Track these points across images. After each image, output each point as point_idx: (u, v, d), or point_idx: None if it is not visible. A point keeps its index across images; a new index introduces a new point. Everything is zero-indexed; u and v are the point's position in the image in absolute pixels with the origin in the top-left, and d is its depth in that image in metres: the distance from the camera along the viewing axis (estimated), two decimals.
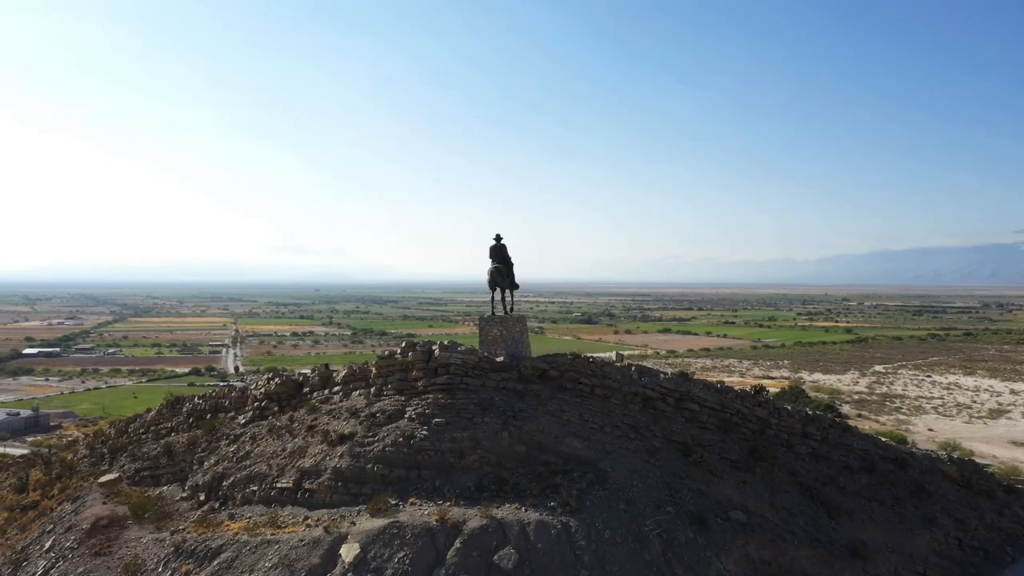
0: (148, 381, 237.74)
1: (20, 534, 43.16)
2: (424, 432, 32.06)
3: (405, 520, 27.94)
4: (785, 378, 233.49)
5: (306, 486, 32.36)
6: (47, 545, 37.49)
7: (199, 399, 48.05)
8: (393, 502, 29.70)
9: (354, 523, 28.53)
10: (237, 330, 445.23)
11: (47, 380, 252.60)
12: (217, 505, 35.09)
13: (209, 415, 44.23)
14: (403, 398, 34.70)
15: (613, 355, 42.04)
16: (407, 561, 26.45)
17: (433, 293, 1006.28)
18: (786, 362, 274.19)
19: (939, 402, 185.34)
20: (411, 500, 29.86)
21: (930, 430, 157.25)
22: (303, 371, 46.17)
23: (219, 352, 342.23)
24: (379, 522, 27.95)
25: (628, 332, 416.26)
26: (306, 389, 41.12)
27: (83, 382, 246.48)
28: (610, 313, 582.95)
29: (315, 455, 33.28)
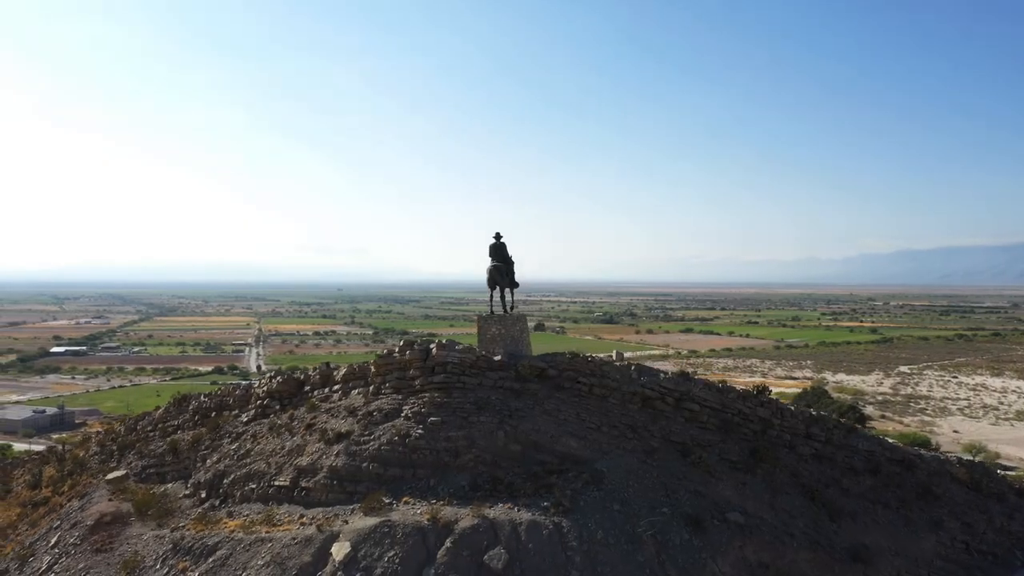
0: (172, 379, 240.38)
1: (30, 530, 43.77)
2: (419, 431, 31.98)
3: (397, 519, 27.86)
4: (808, 378, 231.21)
5: (303, 484, 32.43)
6: (52, 541, 37.93)
7: (205, 397, 48.46)
8: (387, 501, 29.64)
9: (347, 522, 28.50)
10: (260, 329, 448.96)
11: (73, 378, 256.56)
12: (217, 503, 35.31)
13: (214, 413, 44.54)
14: (400, 397, 34.63)
15: (613, 354, 41.67)
16: (397, 560, 26.37)
17: (455, 293, 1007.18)
18: (809, 362, 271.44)
19: (965, 403, 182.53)
20: (405, 499, 29.79)
21: (955, 432, 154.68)
22: (305, 369, 46.33)
23: (242, 351, 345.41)
24: (371, 521, 27.91)
25: (650, 332, 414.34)
26: (307, 388, 41.26)
27: (108, 380, 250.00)
28: (632, 313, 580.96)
29: (312, 453, 33.35)
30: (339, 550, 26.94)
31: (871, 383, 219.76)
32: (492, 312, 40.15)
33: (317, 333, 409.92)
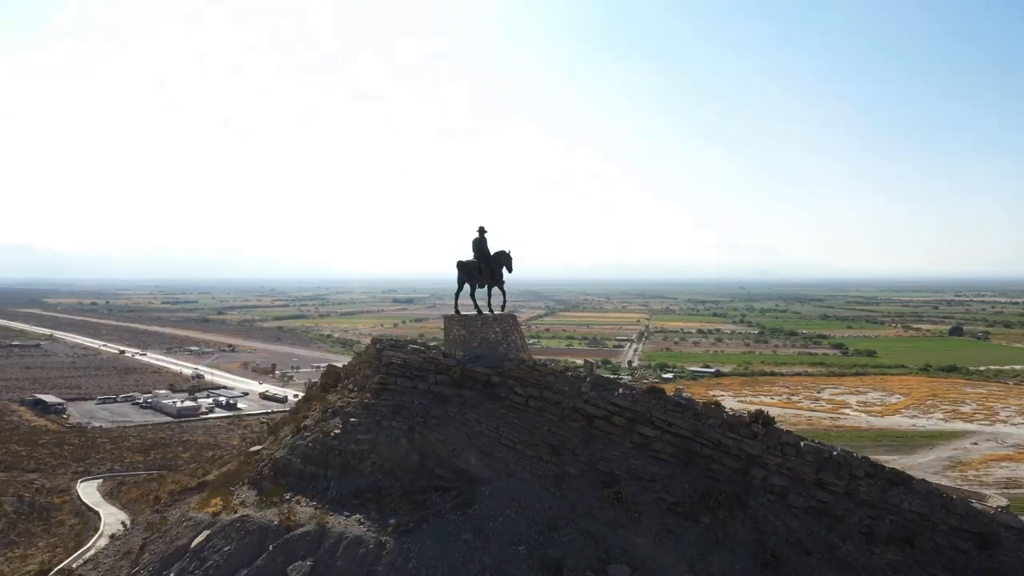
0: None
1: None
2: (338, 431, 31.51)
3: (255, 516, 28.13)
4: None
5: (263, 472, 34.14)
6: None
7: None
8: (287, 496, 29.95)
9: (234, 511, 29.53)
10: (647, 326, 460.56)
11: None
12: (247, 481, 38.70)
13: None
14: (355, 395, 34.33)
15: (582, 363, 35.49)
16: (226, 556, 26.70)
17: (866, 292, 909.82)
18: None
19: None
20: (298, 498, 29.79)
21: None
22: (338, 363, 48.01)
23: (623, 346, 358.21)
24: (236, 514, 28.58)
25: None
26: (343, 380, 42.71)
27: None
28: None
29: (277, 443, 34.94)
30: (199, 537, 28.17)
31: None
32: (457, 312, 36.81)
33: (700, 331, 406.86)
